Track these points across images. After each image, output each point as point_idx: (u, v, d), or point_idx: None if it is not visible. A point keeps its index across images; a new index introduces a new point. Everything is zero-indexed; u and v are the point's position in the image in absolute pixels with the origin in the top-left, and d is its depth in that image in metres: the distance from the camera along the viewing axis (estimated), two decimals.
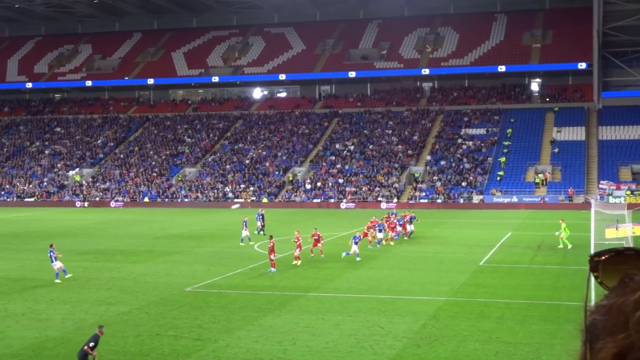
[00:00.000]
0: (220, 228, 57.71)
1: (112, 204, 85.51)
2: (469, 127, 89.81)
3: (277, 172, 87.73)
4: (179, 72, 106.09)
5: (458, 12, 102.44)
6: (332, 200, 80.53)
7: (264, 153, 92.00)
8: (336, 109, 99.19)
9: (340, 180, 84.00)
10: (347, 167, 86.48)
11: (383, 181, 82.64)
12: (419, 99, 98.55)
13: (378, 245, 43.21)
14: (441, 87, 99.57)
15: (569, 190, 76.06)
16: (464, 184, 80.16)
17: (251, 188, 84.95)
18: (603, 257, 1.33)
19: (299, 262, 37.09)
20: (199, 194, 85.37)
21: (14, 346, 22.31)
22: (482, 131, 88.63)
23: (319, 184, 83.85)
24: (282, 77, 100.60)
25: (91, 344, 19.50)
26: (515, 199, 76.01)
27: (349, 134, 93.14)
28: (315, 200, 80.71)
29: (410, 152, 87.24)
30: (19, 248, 45.93)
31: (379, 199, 79.46)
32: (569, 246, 41.51)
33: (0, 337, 23.37)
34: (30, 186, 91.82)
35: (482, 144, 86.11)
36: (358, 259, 38.28)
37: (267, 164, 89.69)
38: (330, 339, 22.52)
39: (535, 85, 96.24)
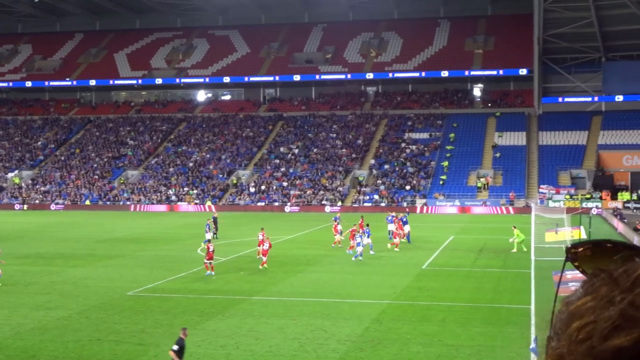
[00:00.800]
0: (163, 231, 57.19)
1: (53, 206, 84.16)
2: (412, 131, 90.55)
3: (221, 175, 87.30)
4: (122, 74, 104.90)
5: (402, 17, 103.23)
6: (277, 204, 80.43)
7: (208, 156, 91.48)
8: (281, 112, 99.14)
9: (285, 184, 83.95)
10: (291, 170, 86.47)
11: (327, 185, 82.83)
12: (363, 103, 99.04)
13: (372, 252, 41.65)
14: (385, 91, 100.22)
15: (510, 194, 77.17)
16: (407, 187, 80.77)
17: (195, 191, 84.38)
18: (580, 249, 1.34)
19: (263, 263, 37.10)
20: (141, 197, 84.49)
21: None
22: (425, 135, 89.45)
23: (263, 187, 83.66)
24: (227, 79, 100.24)
25: (175, 348, 19.04)
26: (457, 203, 76.86)
27: (293, 137, 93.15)
28: (259, 204, 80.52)
29: (354, 155, 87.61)
30: None
31: (323, 202, 79.62)
32: (524, 249, 42.00)
33: None
34: None
35: (426, 148, 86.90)
36: (360, 257, 39.24)
37: (211, 166, 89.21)
38: (273, 343, 22.45)
39: (477, 91, 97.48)
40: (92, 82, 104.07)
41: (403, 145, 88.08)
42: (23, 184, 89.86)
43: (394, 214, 50.94)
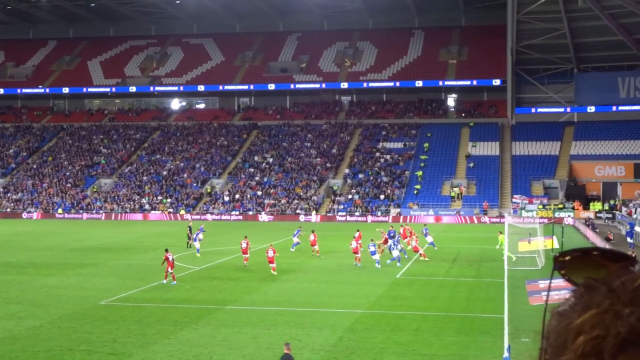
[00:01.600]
0: (136, 240, 56.83)
1: (25, 215, 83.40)
2: (386, 140, 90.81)
3: (195, 184, 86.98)
4: (95, 82, 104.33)
5: (376, 27, 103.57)
6: (251, 213, 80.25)
7: (182, 164, 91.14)
8: (255, 121, 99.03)
9: (259, 193, 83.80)
10: (265, 179, 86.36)
11: (302, 194, 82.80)
12: (337, 113, 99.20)
13: (389, 262, 41.70)
14: (360, 100, 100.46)
15: (484, 203, 77.57)
16: (381, 197, 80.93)
17: (168, 200, 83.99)
18: (567, 258, 1.33)
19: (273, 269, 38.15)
20: (114, 206, 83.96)
21: None
22: (399, 145, 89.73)
23: (237, 196, 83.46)
24: (201, 88, 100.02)
25: None
26: (431, 212, 77.11)
27: (267, 146, 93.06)
28: (233, 213, 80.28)
29: (328, 165, 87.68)
30: None
31: (298, 211, 79.57)
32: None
33: None
34: None
35: (400, 158, 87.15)
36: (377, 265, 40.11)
37: (185, 175, 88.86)
38: (247, 352, 22.37)
39: (451, 101, 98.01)
40: (65, 90, 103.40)
41: (377, 154, 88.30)
42: None
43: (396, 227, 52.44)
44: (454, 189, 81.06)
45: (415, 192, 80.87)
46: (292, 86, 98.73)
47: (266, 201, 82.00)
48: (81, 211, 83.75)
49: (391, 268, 40.08)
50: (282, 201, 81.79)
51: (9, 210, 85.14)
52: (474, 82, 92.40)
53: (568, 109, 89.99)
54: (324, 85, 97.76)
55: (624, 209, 72.34)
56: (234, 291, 33.34)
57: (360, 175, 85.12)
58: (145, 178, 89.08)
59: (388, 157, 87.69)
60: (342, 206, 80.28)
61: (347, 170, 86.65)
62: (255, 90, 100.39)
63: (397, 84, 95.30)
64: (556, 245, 40.35)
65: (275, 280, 36.28)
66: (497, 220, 70.90)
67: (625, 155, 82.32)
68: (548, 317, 1.26)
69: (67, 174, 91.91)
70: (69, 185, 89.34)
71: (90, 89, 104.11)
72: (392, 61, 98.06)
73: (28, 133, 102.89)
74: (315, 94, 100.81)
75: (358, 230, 46.64)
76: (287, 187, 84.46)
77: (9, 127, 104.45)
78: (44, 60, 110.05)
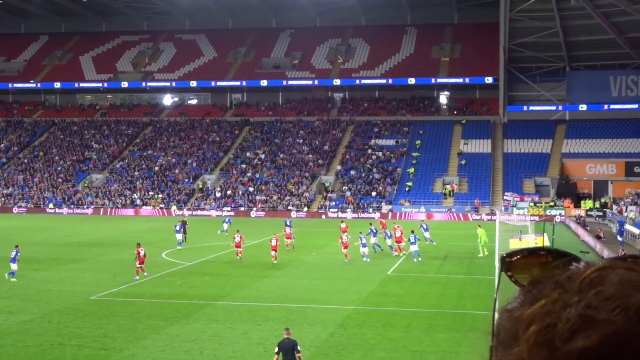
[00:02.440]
0: (127, 236, 56.69)
1: (15, 210, 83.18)
2: (379, 138, 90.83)
3: (187, 180, 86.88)
4: (87, 77, 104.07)
5: (369, 24, 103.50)
6: (243, 209, 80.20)
7: (174, 160, 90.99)
8: (248, 118, 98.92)
9: (251, 189, 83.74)
10: (258, 175, 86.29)
11: (294, 190, 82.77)
12: (330, 110, 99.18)
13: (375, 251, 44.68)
14: (352, 98, 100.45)
15: (476, 201, 77.68)
16: (373, 194, 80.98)
17: (160, 195, 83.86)
18: (515, 258, 1.33)
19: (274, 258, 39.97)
20: (106, 201, 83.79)
21: None
22: (391, 142, 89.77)
23: (229, 192, 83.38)
24: (194, 84, 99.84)
25: (298, 348, 18.99)
26: (423, 210, 77.19)
27: (260, 142, 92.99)
28: (225, 209, 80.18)
29: (321, 161, 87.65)
30: None
31: (290, 208, 79.55)
32: (486, 253, 42.21)
33: None
34: None
35: (392, 155, 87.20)
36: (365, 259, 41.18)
37: (177, 171, 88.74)
38: (238, 348, 22.36)
39: (443, 98, 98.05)
40: (57, 85, 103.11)
41: (370, 151, 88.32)
42: None
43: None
44: (446, 186, 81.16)
45: (407, 189, 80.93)
46: (284, 83, 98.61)
47: (258, 198, 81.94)
48: (72, 206, 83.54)
49: (383, 265, 40.10)
50: (274, 198, 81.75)
51: None
52: (467, 80, 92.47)
53: (560, 108, 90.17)
54: (316, 82, 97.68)
55: (614, 207, 72.64)
56: (226, 287, 33.31)
57: (352, 172, 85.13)
58: (137, 174, 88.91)
59: (380, 154, 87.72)
60: (334, 203, 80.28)
61: (339, 167, 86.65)
62: (248, 86, 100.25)
63: (390, 81, 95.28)
64: (547, 243, 40.43)
65: (267, 277, 36.28)
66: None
67: (616, 154, 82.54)
68: (497, 317, 1.28)
69: (59, 169, 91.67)
70: (61, 180, 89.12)
71: (82, 85, 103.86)
72: (385, 58, 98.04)
73: (19, 128, 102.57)
74: (308, 91, 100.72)
75: (343, 222, 47.19)
76: (279, 183, 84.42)
77: (0, 122, 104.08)
78: (36, 55, 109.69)
